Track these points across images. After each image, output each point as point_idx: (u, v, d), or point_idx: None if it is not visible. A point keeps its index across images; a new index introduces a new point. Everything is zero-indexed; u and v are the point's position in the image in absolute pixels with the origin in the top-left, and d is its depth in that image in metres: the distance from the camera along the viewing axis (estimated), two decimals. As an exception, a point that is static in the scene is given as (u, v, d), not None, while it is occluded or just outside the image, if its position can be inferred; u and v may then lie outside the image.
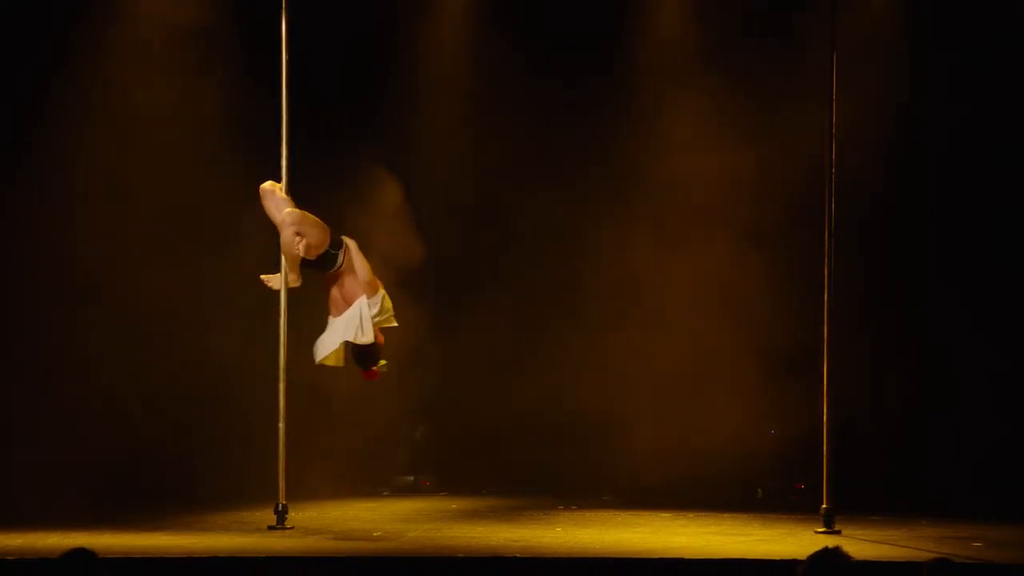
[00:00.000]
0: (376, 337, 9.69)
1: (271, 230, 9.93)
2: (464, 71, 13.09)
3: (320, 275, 9.85)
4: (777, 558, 8.61)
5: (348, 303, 9.73)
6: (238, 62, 12.17)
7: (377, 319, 9.68)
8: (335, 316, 9.78)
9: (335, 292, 9.79)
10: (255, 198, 9.95)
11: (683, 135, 12.59)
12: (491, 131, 12.93)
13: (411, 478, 12.93)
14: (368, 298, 9.66)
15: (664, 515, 11.08)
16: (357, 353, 9.77)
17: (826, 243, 9.92)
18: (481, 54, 13.01)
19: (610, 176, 12.76)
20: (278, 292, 10.16)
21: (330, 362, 9.84)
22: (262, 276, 10.12)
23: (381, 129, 12.97)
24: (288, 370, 10.25)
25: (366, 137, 12.97)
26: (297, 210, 9.72)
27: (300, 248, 9.64)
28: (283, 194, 9.87)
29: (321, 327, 12.25)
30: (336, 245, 9.73)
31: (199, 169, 12.17)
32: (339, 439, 12.49)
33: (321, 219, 9.75)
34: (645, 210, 12.69)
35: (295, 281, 10.02)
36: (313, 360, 9.87)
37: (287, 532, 10.05)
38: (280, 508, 10.17)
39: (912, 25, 12.32)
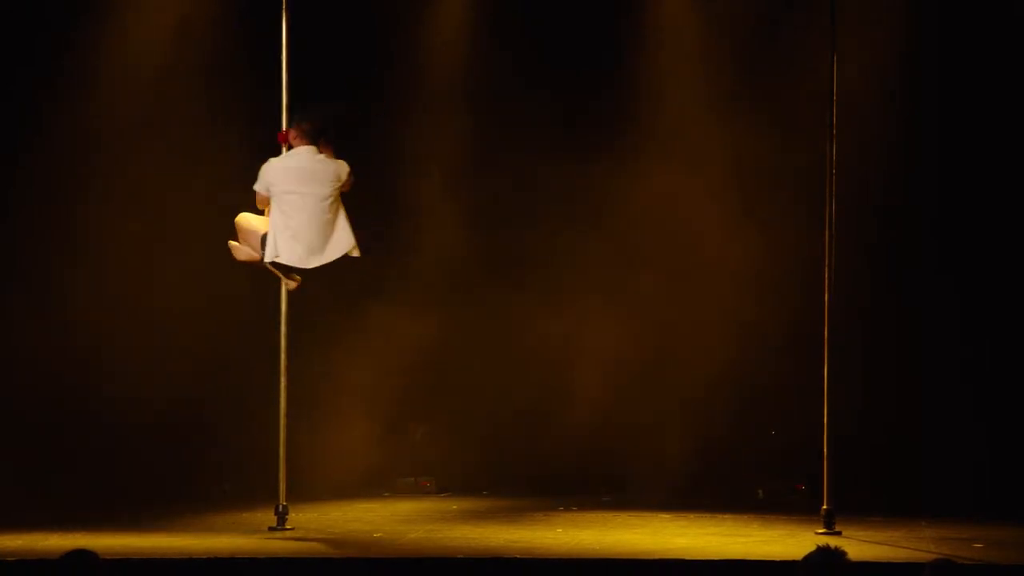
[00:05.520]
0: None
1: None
2: (464, 71, 13.08)
3: None
4: (777, 559, 8.63)
5: None
6: (239, 61, 12.19)
7: None
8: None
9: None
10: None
11: (679, 135, 12.61)
12: (489, 129, 12.94)
13: (411, 479, 12.91)
14: None
15: (664, 516, 11.07)
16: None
17: (826, 243, 9.92)
18: (480, 54, 13.00)
19: (610, 181, 12.74)
20: (278, 289, 10.20)
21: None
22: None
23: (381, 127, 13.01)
24: (289, 369, 10.27)
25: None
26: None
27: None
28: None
29: (318, 325, 12.34)
30: None
31: (201, 166, 12.21)
32: (340, 440, 12.48)
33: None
34: (645, 209, 12.69)
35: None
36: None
37: (287, 533, 10.05)
38: (280, 509, 10.16)
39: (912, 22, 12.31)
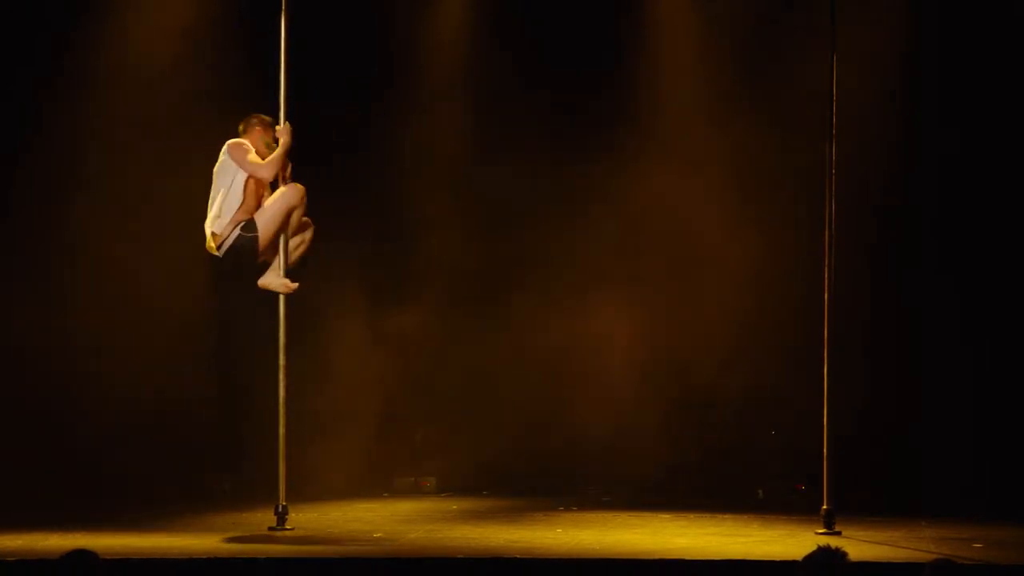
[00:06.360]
0: None
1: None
2: (464, 71, 13.08)
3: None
4: (777, 559, 8.62)
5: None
6: (237, 61, 12.19)
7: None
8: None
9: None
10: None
11: (679, 135, 12.62)
12: (489, 129, 12.93)
13: (411, 479, 12.91)
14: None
15: (664, 516, 11.07)
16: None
17: (826, 243, 9.91)
18: (480, 54, 13.00)
19: (611, 182, 12.72)
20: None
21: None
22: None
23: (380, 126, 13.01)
24: (289, 369, 10.27)
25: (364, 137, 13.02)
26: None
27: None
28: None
29: (318, 325, 12.35)
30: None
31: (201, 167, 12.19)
32: (340, 440, 12.48)
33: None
34: (645, 211, 12.69)
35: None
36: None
37: (287, 533, 10.05)
38: (280, 509, 10.16)
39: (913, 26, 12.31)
